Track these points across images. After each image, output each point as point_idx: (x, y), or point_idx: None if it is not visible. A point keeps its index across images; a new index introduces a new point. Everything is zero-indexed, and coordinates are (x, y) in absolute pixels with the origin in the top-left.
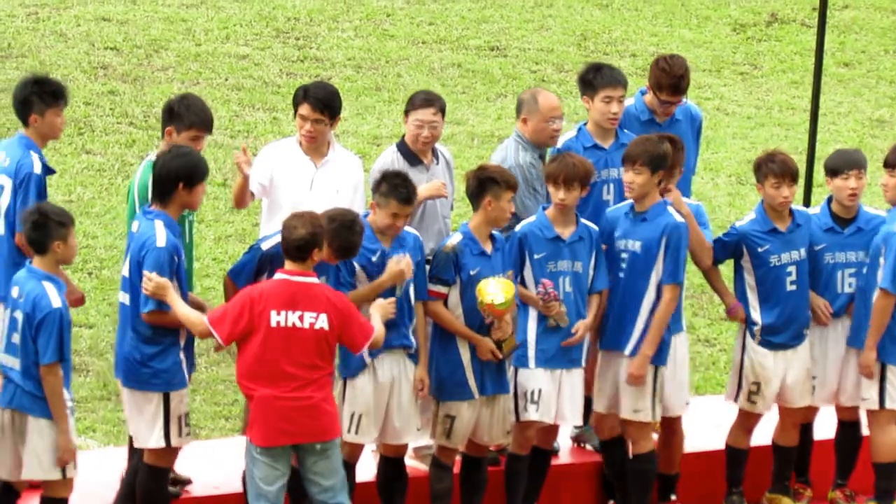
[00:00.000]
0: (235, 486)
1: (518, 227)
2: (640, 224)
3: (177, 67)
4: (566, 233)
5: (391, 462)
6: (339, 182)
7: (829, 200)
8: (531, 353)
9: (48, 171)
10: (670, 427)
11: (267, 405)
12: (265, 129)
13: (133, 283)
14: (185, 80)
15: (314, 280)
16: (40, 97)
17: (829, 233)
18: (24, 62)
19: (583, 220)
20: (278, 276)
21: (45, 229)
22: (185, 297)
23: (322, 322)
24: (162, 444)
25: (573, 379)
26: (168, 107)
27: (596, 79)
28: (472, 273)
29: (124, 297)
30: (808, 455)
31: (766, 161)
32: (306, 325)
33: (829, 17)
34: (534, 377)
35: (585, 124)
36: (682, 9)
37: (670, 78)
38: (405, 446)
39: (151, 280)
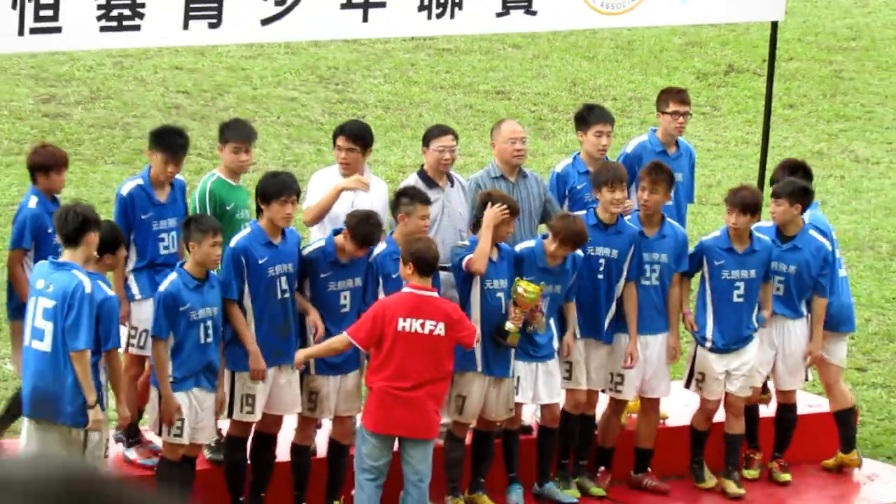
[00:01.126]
0: (284, 456)
1: (518, 248)
2: (615, 236)
3: (237, 108)
4: (554, 264)
5: None
6: (372, 202)
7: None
8: (512, 350)
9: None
10: (652, 407)
11: (383, 397)
12: (311, 160)
13: None
14: (244, 118)
15: (434, 294)
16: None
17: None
18: (111, 103)
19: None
20: (406, 289)
21: (188, 232)
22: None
23: (440, 329)
24: (227, 414)
25: (549, 367)
26: (219, 128)
27: (590, 116)
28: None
29: None
30: (756, 427)
31: (731, 192)
32: (426, 332)
33: (776, 68)
34: (515, 367)
35: (579, 154)
36: (655, 60)
37: (675, 92)
38: None
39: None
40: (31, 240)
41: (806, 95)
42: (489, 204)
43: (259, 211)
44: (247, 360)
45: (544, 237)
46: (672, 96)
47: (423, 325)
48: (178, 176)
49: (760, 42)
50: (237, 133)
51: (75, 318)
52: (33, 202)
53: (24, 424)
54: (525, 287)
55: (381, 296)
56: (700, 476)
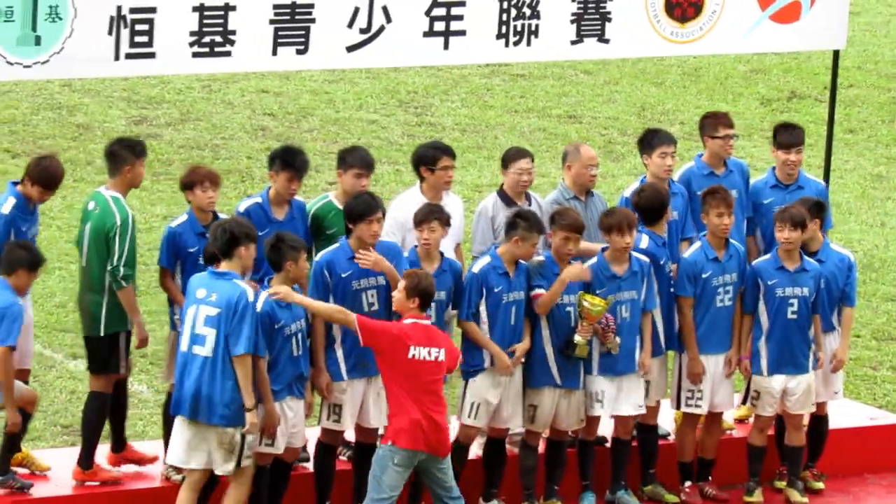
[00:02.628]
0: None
1: (586, 265)
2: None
3: (320, 130)
4: (621, 270)
5: (496, 442)
6: (453, 218)
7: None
8: (595, 364)
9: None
10: (716, 420)
11: (413, 422)
12: (390, 179)
13: None
14: (327, 140)
15: (432, 323)
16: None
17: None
18: (200, 125)
19: (635, 255)
20: (409, 320)
21: (279, 251)
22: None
23: (442, 355)
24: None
25: (630, 380)
26: (338, 155)
27: (653, 139)
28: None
29: None
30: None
31: (780, 210)
32: (432, 358)
33: (837, 94)
34: (597, 382)
35: (645, 177)
36: (721, 87)
37: (723, 116)
38: (507, 431)
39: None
40: (168, 257)
41: (866, 121)
42: (554, 220)
43: (348, 230)
44: (334, 369)
45: (603, 249)
46: (721, 121)
47: (430, 353)
48: (297, 197)
49: (822, 70)
50: (361, 160)
51: (237, 324)
52: (177, 221)
53: (178, 424)
54: (590, 301)
55: (483, 308)
56: (752, 491)
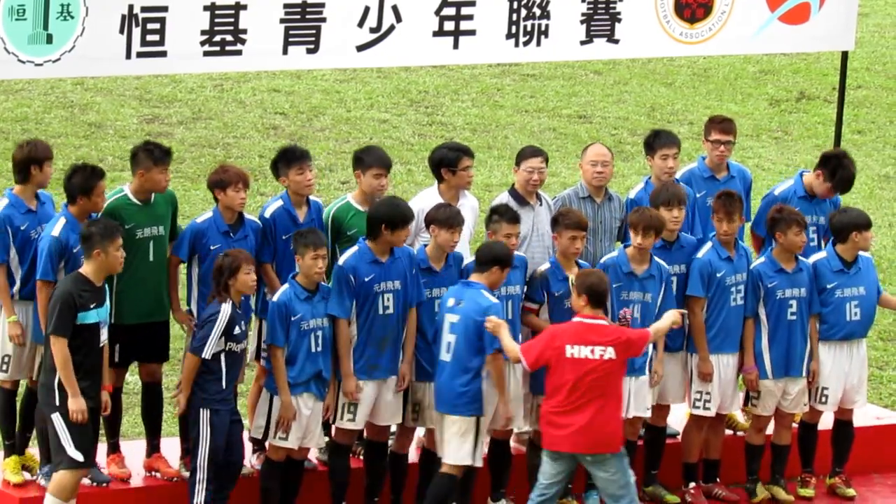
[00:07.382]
0: None
1: (603, 260)
2: (680, 251)
3: (332, 129)
4: (640, 270)
5: (500, 443)
6: (469, 217)
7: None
8: None
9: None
10: (722, 420)
11: (552, 419)
12: (401, 179)
13: None
14: (338, 139)
15: (603, 322)
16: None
17: (839, 273)
18: (211, 124)
19: (656, 259)
20: (576, 319)
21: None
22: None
23: (610, 353)
24: (331, 420)
25: (639, 383)
26: (355, 156)
27: (655, 141)
28: (556, 294)
29: None
30: (813, 449)
31: (787, 212)
32: (596, 357)
33: (846, 95)
34: None
35: (650, 178)
36: (730, 87)
37: (719, 121)
38: (510, 431)
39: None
40: (187, 252)
41: (874, 122)
42: (558, 222)
43: (371, 234)
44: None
45: (626, 246)
46: (715, 125)
47: (592, 351)
48: (312, 198)
49: (830, 70)
50: (380, 160)
51: None
52: (202, 218)
53: None
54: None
55: None
56: (752, 490)
